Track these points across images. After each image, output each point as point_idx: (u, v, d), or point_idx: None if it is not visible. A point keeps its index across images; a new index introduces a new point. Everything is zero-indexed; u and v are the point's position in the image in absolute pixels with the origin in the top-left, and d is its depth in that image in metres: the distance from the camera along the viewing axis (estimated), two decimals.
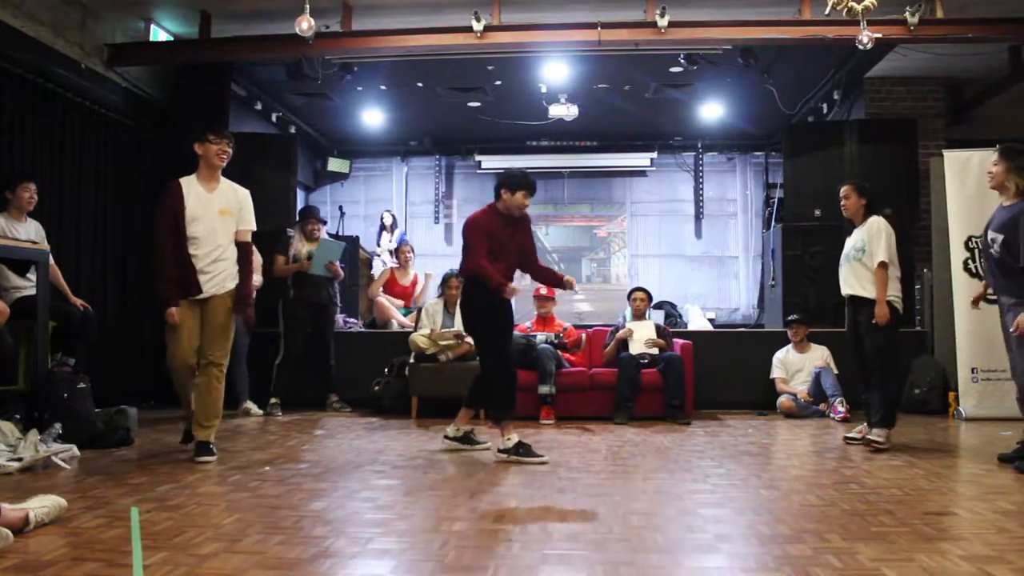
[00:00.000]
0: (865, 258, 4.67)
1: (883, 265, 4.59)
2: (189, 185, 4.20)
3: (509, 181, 4.35)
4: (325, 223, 6.82)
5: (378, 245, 9.26)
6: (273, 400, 6.19)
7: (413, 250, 7.85)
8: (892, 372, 4.66)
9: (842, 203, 4.87)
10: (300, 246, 6.36)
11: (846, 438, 4.80)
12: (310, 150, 10.27)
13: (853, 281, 4.74)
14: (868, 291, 4.64)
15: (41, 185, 5.10)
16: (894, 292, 4.62)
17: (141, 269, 6.69)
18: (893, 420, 4.59)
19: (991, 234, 4.06)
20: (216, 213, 4.19)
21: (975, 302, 4.54)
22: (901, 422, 5.25)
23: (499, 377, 4.29)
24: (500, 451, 4.21)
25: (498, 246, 4.27)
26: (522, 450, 4.16)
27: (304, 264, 6.30)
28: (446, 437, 4.56)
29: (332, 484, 3.52)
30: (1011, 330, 3.94)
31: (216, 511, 2.96)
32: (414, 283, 7.63)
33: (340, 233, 9.35)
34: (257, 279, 5.52)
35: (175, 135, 6.95)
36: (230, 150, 4.27)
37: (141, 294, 6.70)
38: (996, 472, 3.88)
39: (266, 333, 6.16)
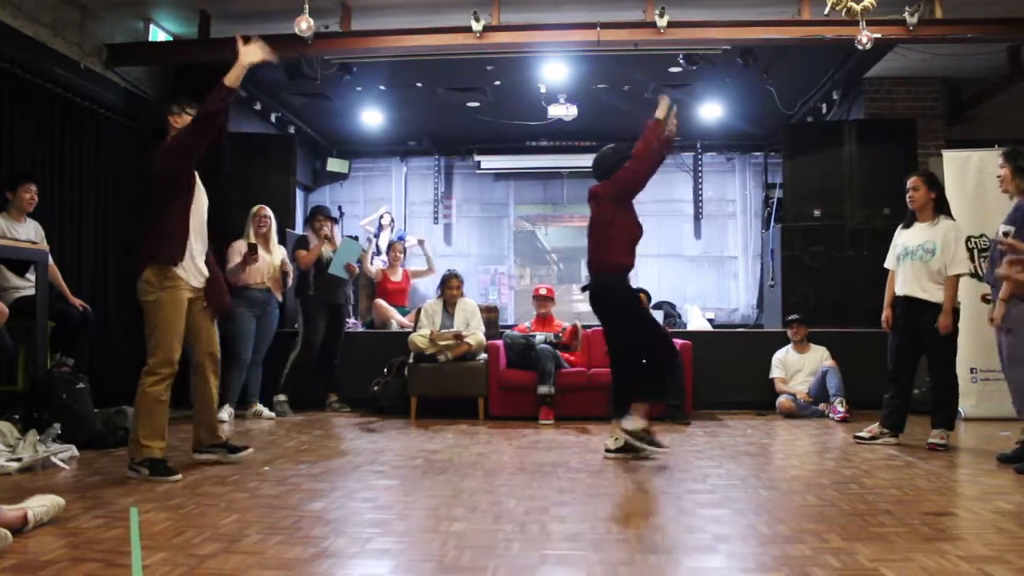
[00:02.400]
0: (933, 261, 4.53)
1: (959, 276, 4.52)
2: None
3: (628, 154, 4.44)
4: (335, 220, 6.83)
5: (376, 245, 9.26)
6: (281, 397, 6.18)
7: (405, 251, 7.93)
8: (955, 377, 4.65)
9: (909, 194, 4.69)
10: (314, 243, 6.40)
11: (856, 437, 4.80)
12: (309, 150, 10.26)
13: (915, 283, 4.59)
14: (931, 294, 4.53)
15: (41, 185, 5.09)
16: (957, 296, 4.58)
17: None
18: (953, 422, 4.61)
19: (1003, 227, 4.06)
20: (204, 202, 3.97)
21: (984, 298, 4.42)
22: None
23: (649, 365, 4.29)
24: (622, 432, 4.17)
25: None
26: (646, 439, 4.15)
27: (316, 249, 6.33)
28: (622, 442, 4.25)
29: (331, 484, 3.52)
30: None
31: (215, 511, 2.96)
32: (405, 279, 7.72)
33: (340, 234, 9.34)
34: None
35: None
36: None
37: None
38: (995, 472, 3.88)
39: (278, 332, 6.21)
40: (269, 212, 6.18)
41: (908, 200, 4.72)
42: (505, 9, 6.16)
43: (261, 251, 5.94)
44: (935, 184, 4.71)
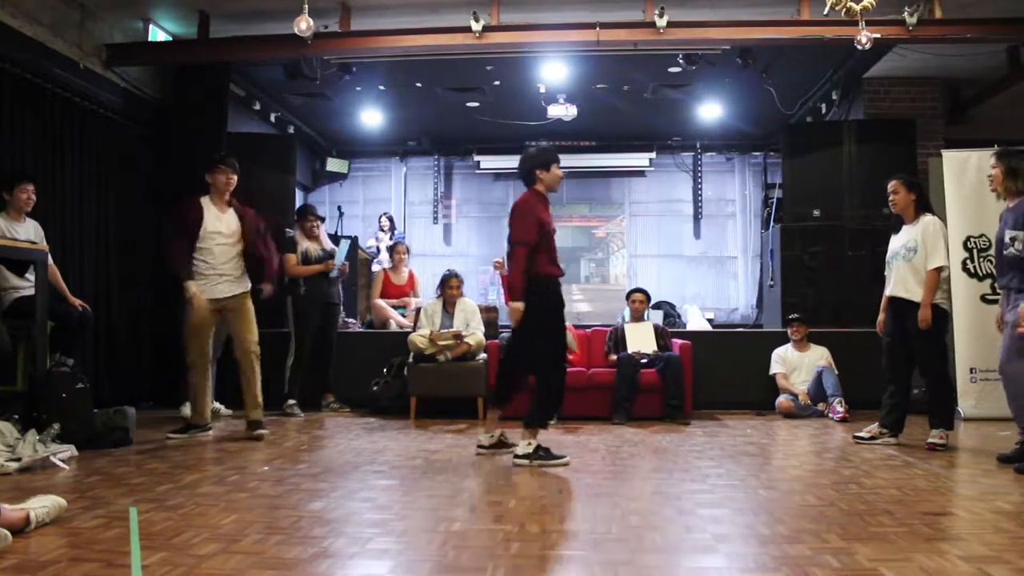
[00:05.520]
0: (916, 259, 4.55)
1: (938, 269, 4.50)
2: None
3: (542, 159, 4.17)
4: (323, 220, 6.80)
5: (376, 247, 9.25)
6: (291, 401, 6.17)
7: (409, 251, 7.88)
8: (946, 375, 4.64)
9: (890, 199, 4.73)
10: (305, 244, 6.37)
11: (856, 437, 4.80)
12: (309, 150, 10.26)
13: (899, 282, 4.61)
14: (914, 294, 4.53)
15: (41, 186, 5.09)
16: (942, 295, 4.55)
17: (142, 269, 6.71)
18: (952, 421, 4.60)
19: (1010, 233, 4.06)
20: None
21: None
22: None
23: (555, 383, 4.14)
24: (518, 457, 4.05)
25: (546, 232, 4.11)
26: (542, 453, 4.04)
27: (329, 264, 6.34)
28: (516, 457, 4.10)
29: (331, 484, 3.52)
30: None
31: (215, 511, 2.96)
32: (410, 282, 7.67)
33: (339, 233, 9.34)
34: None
35: (174, 135, 6.97)
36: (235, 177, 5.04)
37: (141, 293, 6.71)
38: (994, 472, 3.88)
39: (272, 333, 6.18)
40: None
41: (890, 204, 4.79)
42: (504, 9, 6.16)
43: None
44: (914, 186, 4.76)
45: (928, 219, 4.64)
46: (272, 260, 5.31)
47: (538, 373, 4.20)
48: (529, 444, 4.05)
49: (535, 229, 4.05)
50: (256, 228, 5.13)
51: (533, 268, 4.09)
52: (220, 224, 4.97)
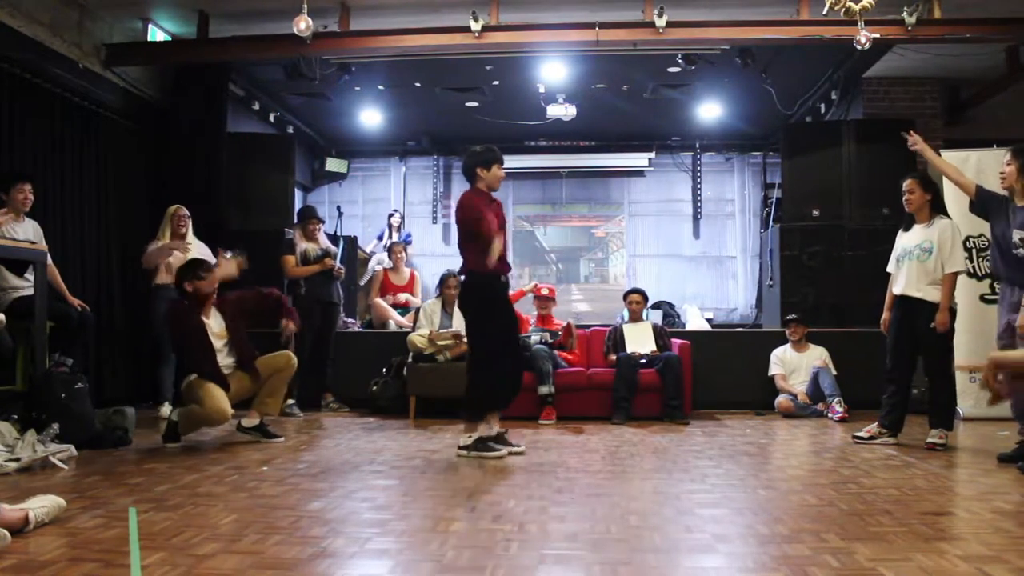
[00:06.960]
0: (930, 261, 4.54)
1: (955, 273, 4.51)
2: None
3: (482, 158, 4.21)
4: (323, 222, 6.81)
5: (383, 247, 9.24)
6: (290, 401, 6.16)
7: (406, 249, 7.89)
8: (951, 376, 4.65)
9: (905, 197, 4.72)
10: (304, 246, 6.36)
11: (855, 437, 4.80)
12: (308, 150, 10.26)
13: (912, 282, 4.60)
14: (926, 294, 4.53)
15: (41, 186, 5.08)
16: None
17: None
18: (951, 422, 4.61)
19: (1019, 233, 4.05)
20: None
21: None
22: None
23: (482, 381, 4.19)
24: (460, 447, 4.22)
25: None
26: (480, 446, 4.14)
27: (327, 263, 6.34)
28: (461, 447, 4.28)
29: (330, 484, 3.51)
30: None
31: (214, 511, 2.96)
32: (411, 281, 7.66)
33: (339, 233, 9.35)
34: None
35: (174, 135, 6.97)
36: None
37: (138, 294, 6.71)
38: (994, 472, 3.89)
39: (272, 333, 6.16)
40: (186, 212, 6.07)
41: (905, 203, 4.76)
42: (504, 9, 6.16)
43: (178, 252, 5.90)
44: (930, 185, 4.75)
45: (945, 222, 4.63)
46: (280, 297, 5.05)
47: (471, 369, 4.32)
48: (469, 436, 4.20)
49: (478, 225, 4.05)
50: (239, 306, 4.89)
51: (471, 267, 4.21)
52: (210, 328, 4.73)
